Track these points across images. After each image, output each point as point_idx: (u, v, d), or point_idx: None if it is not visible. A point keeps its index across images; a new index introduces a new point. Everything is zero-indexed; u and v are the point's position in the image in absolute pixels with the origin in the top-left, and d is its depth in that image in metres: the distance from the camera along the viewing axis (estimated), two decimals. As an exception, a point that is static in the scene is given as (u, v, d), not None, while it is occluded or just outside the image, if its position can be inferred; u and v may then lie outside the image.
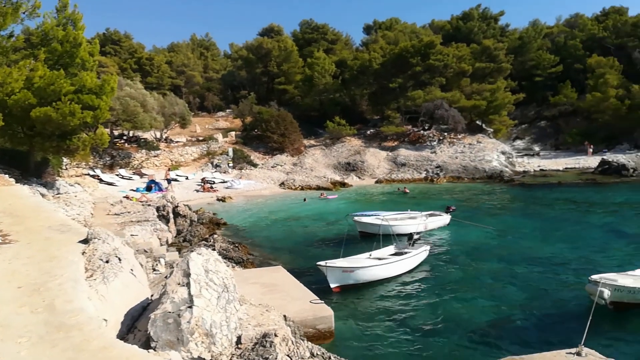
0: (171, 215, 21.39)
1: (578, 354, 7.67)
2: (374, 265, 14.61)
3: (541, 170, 42.24)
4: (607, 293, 11.07)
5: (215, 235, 19.02)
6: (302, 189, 35.82)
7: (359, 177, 40.35)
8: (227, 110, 59.63)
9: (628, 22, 55.71)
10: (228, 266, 13.49)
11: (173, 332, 6.24)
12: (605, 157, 41.79)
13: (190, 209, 24.37)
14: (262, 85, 62.00)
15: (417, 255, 16.10)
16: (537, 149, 52.34)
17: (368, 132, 49.48)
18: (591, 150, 46.55)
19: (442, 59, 46.70)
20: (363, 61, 49.09)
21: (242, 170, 40.24)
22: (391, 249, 17.09)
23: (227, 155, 42.00)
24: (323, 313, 10.38)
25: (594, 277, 11.77)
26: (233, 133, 47.67)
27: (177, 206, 22.77)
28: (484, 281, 14.62)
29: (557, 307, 12.52)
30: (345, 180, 38.90)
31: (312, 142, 47.60)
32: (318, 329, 10.20)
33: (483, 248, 18.51)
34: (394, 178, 39.64)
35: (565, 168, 42.68)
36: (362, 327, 11.38)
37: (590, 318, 9.35)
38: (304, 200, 31.13)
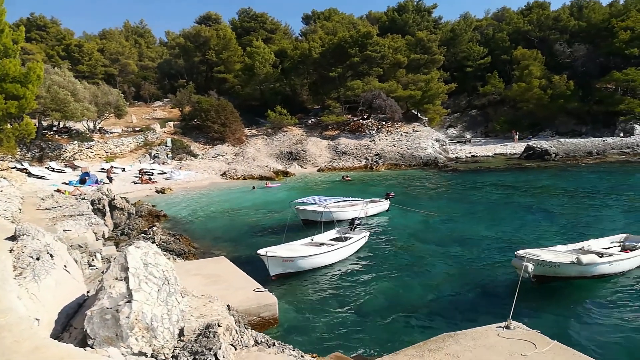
0: (107, 209, 20.60)
1: (507, 327, 8.25)
2: (314, 254, 14.75)
3: (472, 156, 44.43)
4: (531, 267, 11.92)
5: (154, 228, 18.56)
6: (244, 178, 35.54)
7: (301, 166, 40.58)
8: (165, 100, 57.74)
9: (550, 16, 59.30)
10: (169, 258, 13.31)
11: (111, 328, 6.12)
12: (530, 143, 44.61)
13: (127, 201, 23.56)
14: (200, 74, 60.45)
15: (358, 241, 16.52)
16: (468, 136, 54.84)
17: (309, 122, 49.73)
18: (517, 137, 49.49)
19: (379, 49, 47.63)
20: (303, 51, 49.11)
21: (182, 161, 39.27)
22: (332, 233, 17.45)
23: (166, 145, 40.79)
24: (267, 301, 10.51)
25: (520, 252, 12.64)
26: (171, 123, 46.31)
27: (113, 199, 21.94)
28: (421, 262, 15.29)
29: (488, 283, 13.35)
30: (288, 169, 39.01)
31: (254, 131, 47.22)
32: (262, 317, 10.33)
33: (420, 231, 19.32)
34: (335, 166, 40.21)
35: (494, 154, 45.15)
36: (305, 313, 11.62)
37: (517, 292, 10.08)
38: (253, 188, 31.13)
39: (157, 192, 30.23)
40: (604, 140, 44.84)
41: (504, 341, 7.73)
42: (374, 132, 45.93)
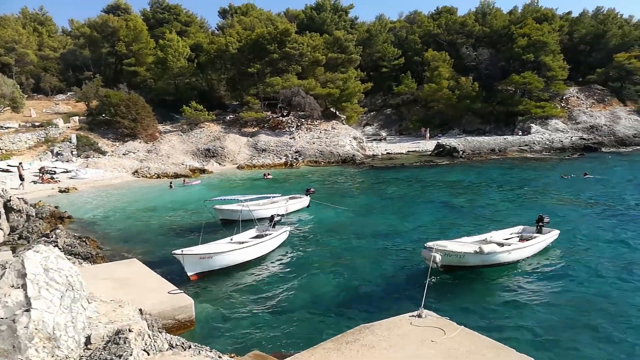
0: (2, 211, 18.74)
1: (419, 316, 8.67)
2: (232, 250, 14.52)
3: (388, 153, 46.12)
4: (438, 257, 12.62)
5: (57, 231, 17.19)
6: (158, 177, 34.06)
7: (220, 163, 39.72)
8: (69, 93, 53.64)
9: (457, 21, 63.10)
10: (74, 263, 12.42)
11: (7, 339, 5.61)
12: (440, 141, 47.20)
13: (26, 202, 21.59)
14: (109, 67, 56.94)
15: (277, 237, 16.45)
16: (384, 134, 56.82)
17: (227, 118, 48.79)
18: (428, 135, 52.11)
19: (298, 47, 47.87)
20: (219, 45, 48.02)
21: (89, 159, 36.78)
22: (253, 232, 17.26)
23: (70, 142, 37.98)
24: (182, 303, 10.17)
25: (429, 244, 13.34)
26: (77, 118, 43.17)
27: (9, 200, 19.98)
28: (339, 257, 15.62)
29: (402, 274, 13.94)
30: (205, 167, 37.97)
31: (168, 127, 45.39)
32: (178, 319, 9.98)
33: (339, 226, 19.71)
34: (255, 163, 39.82)
35: (408, 151, 47.22)
36: (223, 313, 11.40)
37: (427, 282, 10.64)
38: (170, 186, 30.19)
39: (61, 191, 28.09)
40: (505, 139, 48.56)
41: (416, 329, 8.09)
42: (293, 129, 46.09)
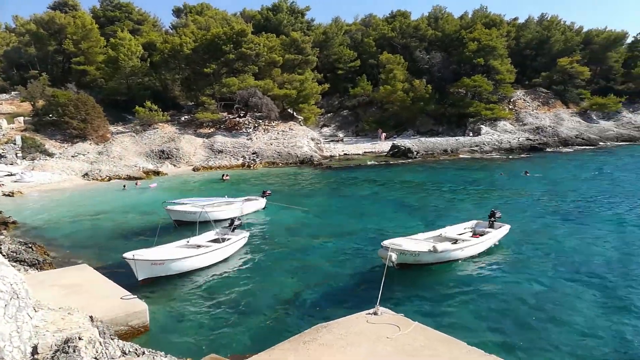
0: (-63, 218, 17.66)
1: (375, 313, 8.85)
2: (187, 256, 14.10)
3: (345, 154, 46.57)
4: (394, 257, 12.86)
5: (1, 237, 16.37)
6: (110, 179, 32.97)
7: (175, 165, 38.87)
8: (13, 93, 51.01)
9: (411, 25, 64.49)
10: (19, 270, 11.85)
11: (-54, 352, 5.31)
12: (395, 142, 48.10)
13: (-36, 209, 20.45)
14: (56, 65, 54.56)
15: (236, 242, 16.18)
16: (341, 135, 57.35)
17: (182, 119, 47.83)
18: (384, 136, 52.94)
19: (254, 48, 47.53)
20: (174, 45, 46.98)
21: (35, 161, 35.11)
22: (211, 234, 16.98)
23: (15, 144, 36.14)
24: (136, 308, 9.94)
25: (385, 242, 13.58)
26: (21, 119, 41.14)
27: (-55, 207, 18.87)
28: (297, 258, 15.67)
29: (360, 272, 14.13)
30: (160, 169, 37.06)
31: (120, 128, 43.99)
32: (131, 326, 9.75)
33: (296, 227, 19.75)
34: (211, 165, 39.23)
35: (365, 152, 47.83)
36: (178, 317, 11.21)
37: (383, 280, 10.84)
38: (124, 187, 29.44)
39: (5, 195, 26.72)
40: (456, 139, 50.07)
41: (372, 326, 8.27)
42: (250, 130, 45.75)
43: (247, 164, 40.15)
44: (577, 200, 24.05)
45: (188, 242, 15.71)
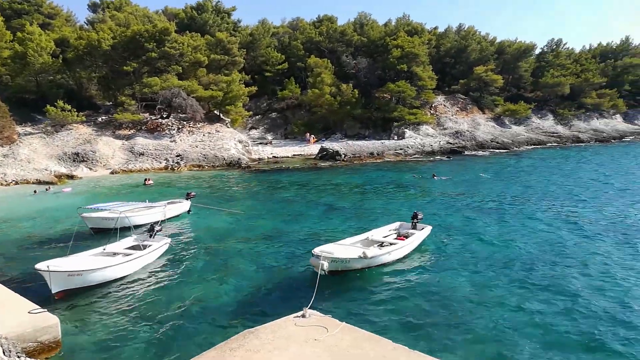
0: None
1: (303, 316, 8.81)
2: (106, 266, 13.26)
3: (274, 157, 46.34)
4: (326, 265, 12.96)
5: None
6: (16, 184, 30.39)
7: (91, 169, 36.58)
8: None
9: (337, 30, 65.58)
10: None
11: None
12: (323, 145, 48.62)
13: None
14: (-48, 59, 49.47)
15: (157, 249, 15.43)
16: (269, 138, 57.00)
17: (99, 119, 45.17)
18: (312, 139, 53.38)
19: (178, 47, 46.10)
20: (90, 41, 44.26)
21: None
22: (129, 241, 16.10)
23: None
24: (46, 323, 9.14)
25: (316, 250, 13.58)
26: None
27: None
28: (225, 263, 15.25)
29: (290, 277, 14.00)
30: (74, 173, 34.68)
31: (29, 129, 40.68)
32: (41, 342, 8.96)
33: (224, 231, 19.27)
34: (131, 168, 37.38)
35: (294, 155, 47.89)
36: (94, 330, 10.47)
37: (316, 286, 10.86)
38: (34, 192, 27.53)
39: None
40: (382, 143, 51.58)
41: (300, 329, 8.21)
42: (174, 132, 44.17)
43: (170, 167, 38.71)
44: (489, 200, 25.59)
45: (104, 249, 14.78)
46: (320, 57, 59.98)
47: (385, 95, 57.69)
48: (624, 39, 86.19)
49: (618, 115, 77.04)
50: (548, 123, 68.39)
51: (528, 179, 33.06)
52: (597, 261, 15.01)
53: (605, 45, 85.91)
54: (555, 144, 60.56)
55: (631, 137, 68.99)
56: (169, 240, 16.62)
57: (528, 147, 57.98)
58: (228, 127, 48.38)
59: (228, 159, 40.93)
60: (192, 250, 16.73)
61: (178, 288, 13.14)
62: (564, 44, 78.92)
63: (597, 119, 73.46)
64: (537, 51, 75.84)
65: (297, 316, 8.80)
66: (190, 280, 13.73)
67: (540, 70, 72.07)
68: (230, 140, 44.58)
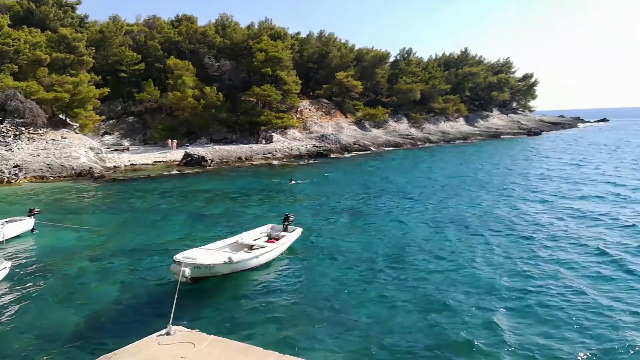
0: None
1: (167, 333, 7.89)
2: None
3: (132, 165, 42.88)
4: (188, 271, 11.95)
5: None
6: None
7: None
8: None
9: (198, 30, 63.42)
10: None
11: None
12: (188, 150, 46.41)
13: None
14: None
15: None
16: (127, 144, 52.86)
17: None
18: (175, 144, 50.43)
19: (12, 43, 40.48)
20: None
21: None
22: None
23: None
24: None
25: (178, 257, 12.54)
26: None
27: None
28: (76, 285, 13.35)
29: (151, 292, 12.74)
30: None
31: None
32: None
33: (75, 250, 16.93)
34: (-48, 183, 31.52)
35: (155, 162, 44.85)
36: None
37: (176, 297, 9.81)
38: None
39: None
40: (250, 147, 50.98)
41: (165, 348, 7.41)
42: (10, 139, 38.36)
43: (6, 179, 33.51)
44: (353, 200, 26.58)
45: None
46: (181, 58, 57.43)
47: (251, 99, 57.24)
48: (463, 50, 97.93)
49: (461, 119, 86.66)
50: (403, 126, 74.22)
51: (383, 178, 35.20)
52: (437, 247, 16.32)
53: (448, 55, 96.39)
54: (410, 145, 65.82)
55: (472, 138, 77.96)
56: (9, 264, 14.01)
57: (387, 148, 62.15)
58: (77, 132, 43.57)
59: (77, 168, 36.76)
60: (38, 274, 14.30)
61: (17, 320, 11.04)
62: (414, 53, 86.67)
63: (444, 121, 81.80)
64: (392, 59, 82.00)
65: (161, 334, 7.93)
66: (33, 309, 11.65)
67: (394, 77, 77.94)
68: (80, 148, 40.16)
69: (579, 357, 9.03)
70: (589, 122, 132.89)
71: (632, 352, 9.17)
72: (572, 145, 64.09)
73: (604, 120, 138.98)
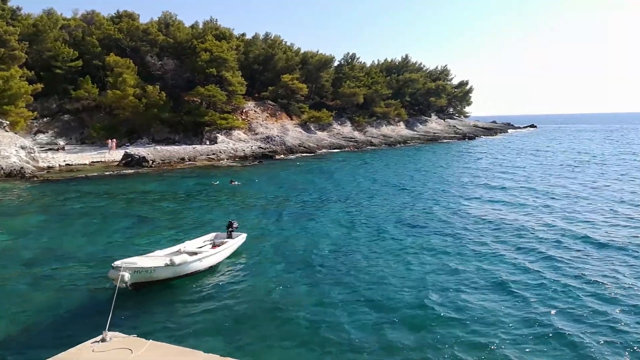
0: None
1: (103, 340, 7.77)
2: None
3: (67, 165, 40.98)
4: (127, 276, 11.69)
5: None
6: None
7: None
8: None
9: (140, 28, 61.45)
10: None
11: None
12: (128, 150, 44.97)
13: None
14: None
15: None
16: (62, 143, 50.41)
17: None
18: (114, 144, 48.53)
19: None
20: None
21: None
22: None
23: None
24: None
25: (117, 262, 12.27)
26: None
27: None
28: (5, 291, 12.79)
29: (87, 299, 12.39)
30: None
31: None
32: None
33: (6, 254, 16.17)
34: None
35: (92, 162, 43.12)
36: None
37: (113, 303, 9.69)
38: None
39: None
40: (194, 148, 50.11)
41: (100, 355, 7.24)
42: None
43: None
44: (295, 201, 26.92)
45: None
46: (121, 55, 55.45)
47: (195, 99, 56.23)
48: (404, 56, 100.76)
49: (402, 123, 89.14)
50: (347, 129, 75.47)
51: (327, 180, 35.79)
52: (383, 247, 16.99)
53: (390, 61, 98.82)
54: (354, 148, 67.03)
55: (412, 142, 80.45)
56: None
57: (331, 150, 63.03)
58: (7, 131, 41.05)
59: (7, 168, 34.75)
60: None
61: None
62: (358, 58, 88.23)
63: (386, 125, 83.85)
64: (336, 63, 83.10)
65: (96, 341, 7.73)
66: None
67: (338, 81, 79.08)
68: (10, 147, 37.97)
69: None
70: (519, 127, 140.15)
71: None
72: (493, 150, 67.65)
73: (532, 126, 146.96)
